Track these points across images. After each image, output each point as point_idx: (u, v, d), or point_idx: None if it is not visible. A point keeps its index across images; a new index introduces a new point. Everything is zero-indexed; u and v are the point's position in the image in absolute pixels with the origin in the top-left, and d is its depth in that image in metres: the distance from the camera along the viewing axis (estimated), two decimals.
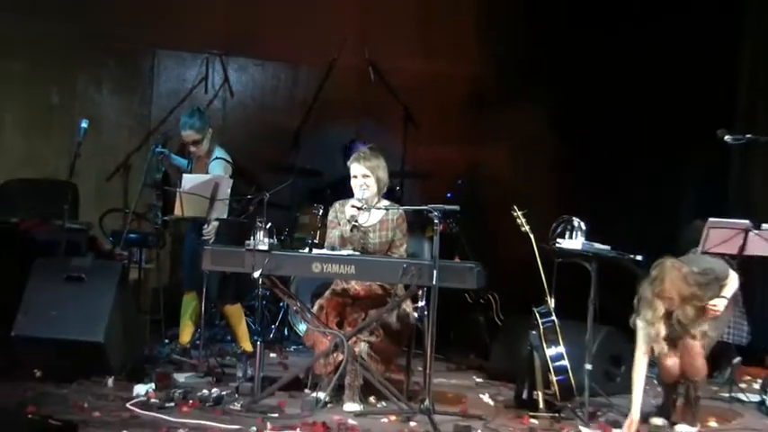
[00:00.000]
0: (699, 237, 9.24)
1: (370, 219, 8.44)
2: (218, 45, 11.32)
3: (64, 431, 6.02)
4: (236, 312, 9.96)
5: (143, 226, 9.89)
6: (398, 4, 12.38)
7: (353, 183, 8.41)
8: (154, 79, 12.04)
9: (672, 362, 8.01)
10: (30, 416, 6.67)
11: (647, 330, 7.88)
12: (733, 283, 8.29)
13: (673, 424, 8.11)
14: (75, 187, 10.09)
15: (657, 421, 8.19)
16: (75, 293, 8.63)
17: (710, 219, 9.34)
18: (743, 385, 9.52)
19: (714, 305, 8.13)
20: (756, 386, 9.42)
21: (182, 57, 12.00)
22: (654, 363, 8.66)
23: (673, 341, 7.94)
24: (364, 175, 8.37)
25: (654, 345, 7.90)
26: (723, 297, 8.18)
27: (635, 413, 7.83)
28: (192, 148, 9.63)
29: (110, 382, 8.41)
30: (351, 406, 8.05)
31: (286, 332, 10.75)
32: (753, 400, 9.16)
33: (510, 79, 12.42)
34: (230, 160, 9.72)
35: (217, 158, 9.69)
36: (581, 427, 7.78)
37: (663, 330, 7.84)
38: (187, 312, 9.82)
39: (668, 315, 7.87)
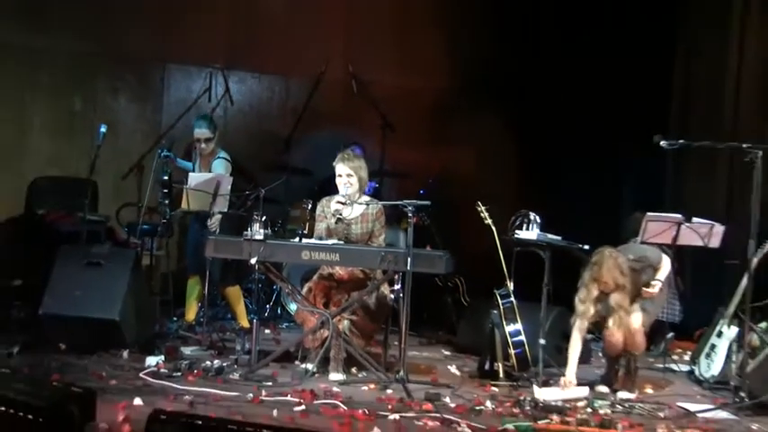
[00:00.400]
0: (638, 228, 9.31)
1: (352, 212, 8.48)
2: (220, 60, 11.32)
3: (84, 397, 6.01)
4: (235, 294, 10.02)
5: (154, 218, 9.91)
6: (378, 26, 12.38)
7: (338, 181, 8.47)
8: (164, 90, 12.02)
9: (616, 338, 8.12)
10: (54, 383, 6.69)
11: (580, 308, 8.03)
12: (666, 267, 8.39)
13: (615, 391, 8.21)
14: (95, 184, 10.12)
15: (602, 389, 8.30)
16: (95, 277, 8.67)
17: (648, 213, 9.42)
18: (675, 357, 9.61)
19: (652, 284, 8.24)
20: (686, 358, 9.47)
21: (188, 70, 11.99)
22: (600, 338, 8.78)
23: (619, 319, 8.04)
24: (348, 174, 8.43)
25: (582, 320, 8.05)
26: (657, 280, 8.30)
27: (569, 375, 8.02)
28: (203, 146, 9.73)
29: (125, 354, 8.45)
30: (335, 376, 8.11)
31: (279, 311, 10.76)
32: (683, 369, 9.29)
33: (474, 91, 12.41)
34: (231, 160, 9.82)
35: (219, 158, 9.79)
36: (535, 392, 7.79)
37: (592, 309, 8.01)
38: (192, 294, 9.88)
39: (601, 297, 7.99)
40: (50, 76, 11.58)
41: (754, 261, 7.90)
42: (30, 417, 5.75)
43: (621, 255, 8.10)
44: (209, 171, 9.72)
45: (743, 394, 7.67)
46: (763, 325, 8.84)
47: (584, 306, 8.03)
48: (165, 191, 9.53)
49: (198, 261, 9.45)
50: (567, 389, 7.90)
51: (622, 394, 8.12)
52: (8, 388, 6.01)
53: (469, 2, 12.61)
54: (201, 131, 9.72)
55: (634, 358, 8.32)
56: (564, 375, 8.06)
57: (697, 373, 8.89)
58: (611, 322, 8.07)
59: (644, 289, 8.22)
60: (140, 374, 7.83)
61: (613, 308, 8.01)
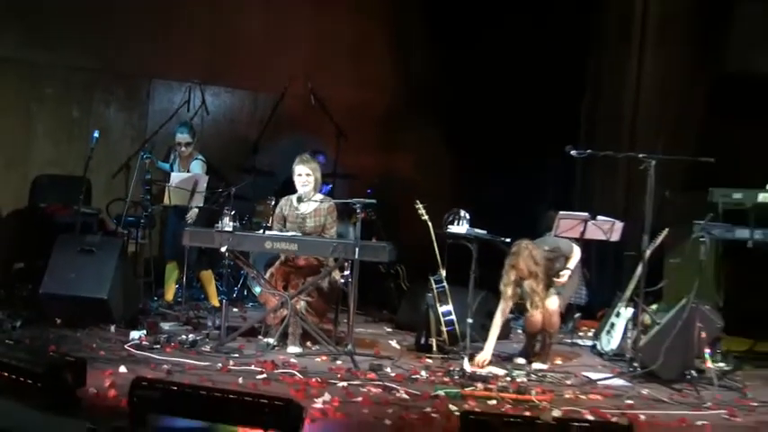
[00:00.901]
0: (551, 224, 9.43)
1: (308, 207, 8.51)
2: (198, 76, 11.23)
3: (77, 365, 5.99)
4: (207, 277, 10.03)
5: (138, 211, 9.90)
6: (334, 49, 12.38)
7: (297, 180, 8.49)
8: (149, 101, 11.97)
9: (536, 319, 8.18)
10: (51, 353, 6.68)
11: (502, 291, 8.08)
12: (576, 257, 8.46)
13: (530, 362, 8.27)
14: (88, 182, 10.02)
15: (519, 360, 8.36)
16: (87, 262, 8.65)
17: (560, 211, 9.54)
18: (581, 334, 9.71)
19: (561, 275, 8.33)
20: (590, 334, 9.53)
21: (170, 85, 11.94)
22: (520, 317, 8.86)
23: (536, 302, 8.09)
24: (307, 174, 8.46)
25: (504, 302, 8.10)
26: (568, 268, 8.37)
27: (487, 351, 8.04)
28: (183, 148, 9.76)
29: (112, 328, 8.44)
30: (293, 349, 8.14)
31: (245, 293, 10.73)
32: (587, 344, 9.35)
33: (415, 104, 12.45)
34: (206, 161, 9.87)
35: (196, 159, 9.82)
36: (463, 363, 7.81)
37: (510, 292, 8.04)
38: (171, 277, 9.89)
39: (519, 282, 8.07)
40: (52, 88, 11.52)
41: (647, 253, 8.02)
42: (29, 381, 5.76)
43: (537, 246, 8.17)
44: (188, 171, 9.75)
45: (636, 365, 7.78)
46: (654, 307, 9.00)
47: (505, 290, 8.08)
48: (147, 188, 9.54)
49: (175, 249, 9.48)
50: (480, 367, 7.88)
51: (537, 365, 8.18)
52: (11, 356, 6.01)
53: (411, 28, 12.67)
54: (183, 136, 9.76)
55: (549, 335, 8.38)
56: (482, 352, 8.08)
57: (599, 347, 8.95)
58: (529, 305, 8.15)
59: (555, 279, 8.30)
60: (125, 346, 7.82)
61: (528, 292, 8.09)
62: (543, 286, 8.10)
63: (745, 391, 7.60)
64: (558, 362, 8.52)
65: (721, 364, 8.21)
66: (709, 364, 7.76)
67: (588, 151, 8.64)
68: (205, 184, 9.54)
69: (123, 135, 11.73)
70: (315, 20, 12.41)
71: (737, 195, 8.08)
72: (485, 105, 11.88)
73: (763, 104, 10.80)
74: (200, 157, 9.88)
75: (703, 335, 7.67)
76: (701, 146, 10.27)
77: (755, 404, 7.19)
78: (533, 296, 8.06)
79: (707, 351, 7.75)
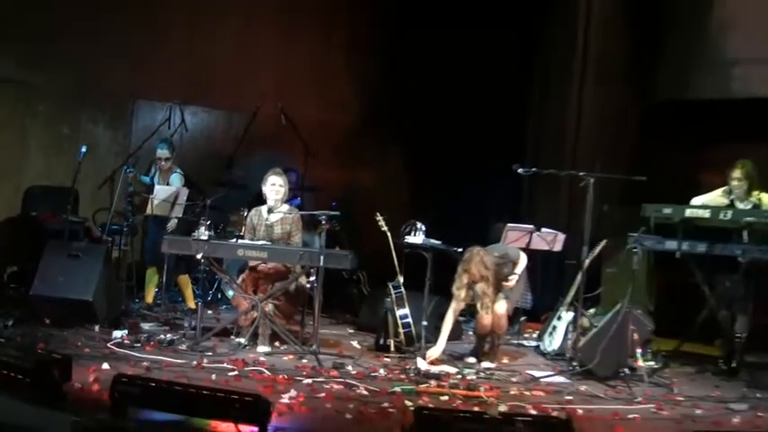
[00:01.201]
0: (500, 235, 9.48)
1: (275, 216, 8.52)
2: (178, 97, 11.23)
3: (63, 362, 5.99)
4: (185, 281, 10.01)
5: (121, 220, 9.88)
6: (303, 72, 12.42)
7: (270, 189, 8.51)
8: (133, 119, 11.93)
9: (486, 321, 8.19)
10: (40, 350, 6.66)
11: (455, 293, 8.09)
12: (522, 263, 8.48)
13: (480, 361, 8.28)
14: (76, 192, 10.01)
15: (470, 359, 8.37)
16: (74, 266, 8.62)
17: (509, 224, 9.59)
18: (526, 335, 9.74)
19: (509, 279, 8.35)
20: (534, 336, 9.53)
21: (153, 104, 11.89)
22: (471, 320, 8.88)
23: (486, 305, 8.10)
24: (280, 185, 8.51)
25: (456, 303, 8.11)
26: (515, 273, 8.40)
27: (437, 349, 8.01)
28: (163, 163, 9.80)
29: (96, 328, 8.39)
30: (262, 348, 8.13)
31: (219, 296, 10.69)
32: (532, 345, 9.37)
33: (377, 123, 12.49)
34: (184, 174, 9.90)
35: (175, 172, 9.85)
36: (418, 362, 7.83)
37: (463, 294, 8.05)
38: (151, 281, 9.87)
39: (471, 286, 8.08)
40: (45, 107, 11.47)
41: (586, 262, 8.08)
42: (19, 377, 5.75)
43: (488, 253, 8.19)
44: (168, 183, 9.77)
45: (575, 364, 7.84)
46: (591, 311, 9.04)
47: (458, 292, 8.09)
48: (129, 199, 9.51)
49: (155, 255, 9.45)
50: (431, 363, 7.87)
51: (486, 364, 8.19)
52: (2, 353, 5.99)
53: (373, 53, 12.70)
54: (163, 152, 9.79)
55: (498, 336, 8.40)
56: (434, 348, 8.07)
57: (542, 347, 8.98)
58: (479, 307, 8.16)
59: (504, 284, 8.33)
60: (108, 345, 7.79)
61: (479, 295, 8.11)
62: (493, 290, 8.12)
63: (672, 386, 7.68)
64: (505, 361, 8.54)
65: (651, 363, 8.26)
66: (641, 362, 7.83)
67: (533, 169, 8.72)
68: (185, 197, 9.57)
69: (109, 150, 11.67)
70: (284, 46, 12.41)
71: (667, 210, 8.14)
72: (440, 125, 11.88)
73: (689, 129, 10.94)
74: (178, 170, 9.90)
75: (636, 336, 7.73)
76: (635, 165, 10.32)
77: (681, 399, 7.27)
78: (484, 299, 8.08)
79: (639, 351, 7.82)
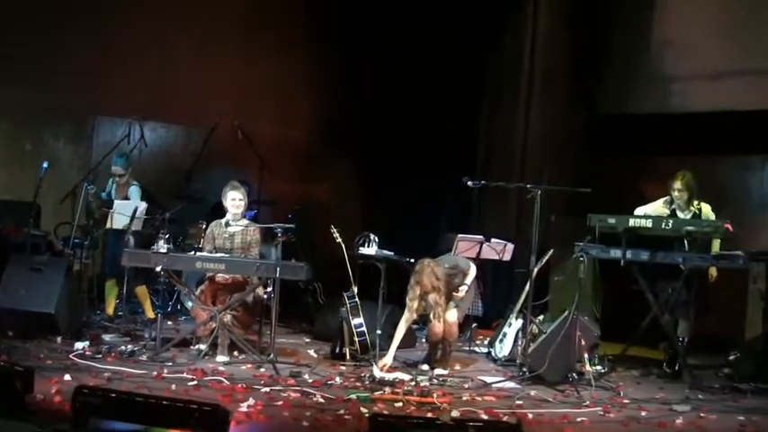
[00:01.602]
0: (451, 245, 9.50)
1: (236, 229, 8.50)
2: (138, 113, 11.20)
3: (25, 374, 5.91)
4: (143, 292, 9.92)
5: (83, 234, 9.81)
6: (259, 89, 12.37)
7: (231, 203, 8.48)
8: (94, 135, 11.84)
9: (437, 329, 8.17)
10: (2, 363, 6.55)
11: (408, 304, 8.08)
12: (472, 273, 8.51)
13: (433, 368, 8.27)
14: (39, 207, 9.92)
15: (423, 367, 8.36)
16: (36, 279, 8.53)
17: (459, 234, 9.63)
18: (477, 342, 9.74)
19: (460, 290, 8.37)
20: (485, 342, 9.51)
21: (113, 120, 11.80)
22: (424, 328, 8.87)
23: (438, 314, 8.08)
24: (240, 199, 8.49)
25: (409, 313, 8.10)
26: (465, 284, 8.41)
27: (389, 357, 8.02)
28: (118, 178, 9.80)
29: (59, 340, 8.30)
30: (221, 357, 8.08)
31: (179, 307, 10.61)
32: (483, 351, 9.37)
33: (331, 138, 12.51)
34: (141, 187, 9.89)
35: (132, 185, 9.84)
36: (373, 370, 7.84)
37: (416, 305, 8.04)
38: (111, 293, 9.79)
39: (423, 296, 8.08)
40: (8, 123, 11.43)
41: (535, 271, 8.13)
42: None
43: (438, 264, 8.20)
44: (126, 196, 9.75)
45: (525, 369, 7.85)
46: (540, 318, 9.09)
47: (410, 303, 8.09)
48: (90, 214, 9.43)
49: (115, 267, 9.37)
50: (382, 370, 7.87)
51: (439, 371, 8.18)
52: None
53: (326, 71, 12.71)
54: (116, 168, 9.81)
55: (449, 343, 8.41)
56: (386, 356, 8.08)
57: (493, 353, 9.00)
58: (432, 316, 8.17)
59: (454, 294, 8.35)
60: (70, 356, 7.70)
61: (431, 305, 8.11)
62: (444, 299, 8.13)
63: (618, 390, 7.75)
64: (458, 367, 8.55)
65: (598, 367, 8.34)
66: (588, 367, 7.90)
67: (482, 182, 8.76)
68: (144, 211, 9.51)
69: (70, 165, 11.56)
70: (241, 64, 12.37)
71: (612, 220, 8.22)
72: (392, 140, 11.91)
73: (631, 142, 11.09)
74: (135, 183, 9.88)
75: (583, 342, 7.79)
76: (580, 177, 10.46)
77: (627, 401, 7.33)
78: (436, 308, 8.08)
79: (586, 356, 7.88)
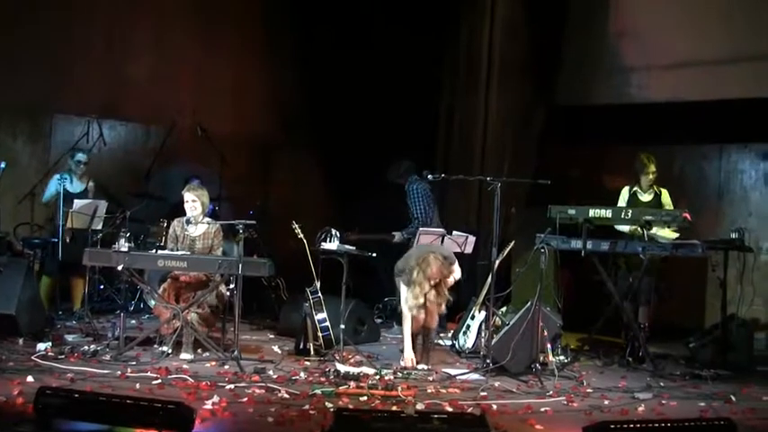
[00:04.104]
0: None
1: (197, 230, 8.50)
2: (96, 111, 11.13)
3: None
4: (79, 283, 9.88)
5: (43, 232, 9.76)
6: (218, 86, 12.39)
7: (186, 205, 8.45)
8: (52, 134, 11.72)
9: (422, 318, 8.15)
10: None
11: (414, 302, 8.01)
12: (457, 264, 8.40)
13: (417, 363, 8.20)
14: None
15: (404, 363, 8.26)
16: None
17: (421, 227, 9.66)
18: (442, 335, 9.62)
19: (447, 282, 8.25)
20: (449, 335, 9.50)
21: (71, 119, 11.68)
22: (387, 321, 8.88)
23: (438, 302, 8.09)
24: (193, 200, 8.44)
25: (417, 310, 8.05)
26: (453, 273, 8.25)
27: (410, 352, 8.13)
28: (82, 167, 9.96)
29: (20, 341, 8.24)
30: (185, 355, 8.07)
31: (141, 306, 10.56)
32: (447, 344, 9.38)
33: (292, 134, 12.53)
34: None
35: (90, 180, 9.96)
36: (337, 365, 7.87)
37: (422, 300, 8.02)
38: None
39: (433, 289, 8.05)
40: None
41: (496, 263, 8.17)
42: None
43: (438, 254, 8.14)
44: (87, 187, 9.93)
45: (489, 361, 7.89)
46: (503, 309, 9.14)
47: (419, 301, 8.00)
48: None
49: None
50: (411, 363, 8.00)
51: (421, 366, 8.12)
52: None
53: (284, 67, 12.73)
54: (81, 156, 10.06)
55: (429, 332, 8.34)
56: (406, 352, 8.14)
57: (457, 346, 9.04)
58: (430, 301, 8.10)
59: (446, 281, 8.22)
60: (32, 357, 7.64)
61: (430, 298, 8.07)
62: (442, 285, 8.12)
63: (580, 379, 7.83)
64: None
65: (561, 357, 8.42)
66: (551, 357, 7.96)
67: (443, 175, 8.81)
68: (104, 210, 9.49)
69: (29, 165, 11.41)
70: (199, 61, 12.37)
71: (572, 211, 8.29)
72: (352, 134, 11.89)
73: (589, 131, 11.20)
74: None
75: (545, 332, 7.85)
76: (540, 169, 10.54)
77: (590, 390, 7.42)
78: (437, 299, 8.06)
79: (549, 346, 7.95)
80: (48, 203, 9.90)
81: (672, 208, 8.86)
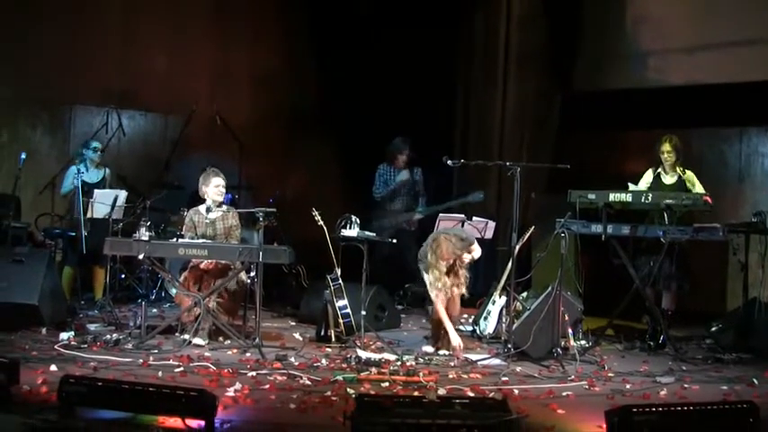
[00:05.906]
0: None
1: (216, 214, 8.51)
2: (115, 102, 11.14)
3: (10, 366, 5.89)
4: (100, 273, 9.85)
5: (63, 224, 9.76)
6: (235, 75, 12.40)
7: (215, 190, 8.49)
8: (71, 125, 11.75)
9: (445, 305, 8.12)
10: None
11: (438, 284, 8.00)
12: (477, 246, 8.36)
13: (438, 349, 8.20)
14: (18, 199, 9.87)
15: (428, 349, 8.28)
16: (18, 271, 8.48)
17: (441, 213, 9.63)
18: (462, 320, 9.61)
19: (464, 260, 8.20)
20: (470, 320, 9.49)
21: (90, 109, 11.72)
22: (409, 308, 8.84)
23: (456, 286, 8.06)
24: (223, 186, 8.51)
25: (442, 291, 8.02)
26: (470, 253, 8.24)
27: (457, 340, 8.03)
28: (100, 153, 9.99)
29: (43, 331, 8.25)
30: (198, 340, 8.04)
31: (163, 294, 10.53)
32: (468, 329, 9.32)
33: (310, 123, 12.46)
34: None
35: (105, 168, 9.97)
36: (358, 351, 7.84)
37: (447, 281, 8.00)
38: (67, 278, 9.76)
39: (448, 272, 8.03)
40: None
41: (517, 248, 8.11)
42: None
43: (450, 234, 8.14)
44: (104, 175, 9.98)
45: (510, 346, 7.85)
46: (524, 295, 9.10)
47: (441, 282, 8.00)
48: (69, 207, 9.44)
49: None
50: (459, 349, 7.94)
51: (443, 351, 8.10)
52: None
53: (302, 55, 12.69)
54: (96, 144, 10.07)
55: (454, 319, 8.28)
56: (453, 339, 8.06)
57: (478, 331, 9.01)
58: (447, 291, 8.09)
59: (463, 257, 8.20)
60: (55, 347, 7.66)
61: (449, 281, 8.06)
62: (460, 269, 8.08)
63: (602, 363, 7.77)
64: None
65: (582, 342, 8.35)
66: (572, 342, 7.91)
67: (462, 161, 8.74)
68: (125, 199, 9.49)
69: (48, 156, 11.46)
70: (218, 48, 12.39)
71: (591, 196, 8.21)
72: (371, 122, 11.83)
73: (607, 116, 11.12)
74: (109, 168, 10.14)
75: (566, 317, 7.81)
76: (559, 154, 10.44)
77: (611, 375, 7.38)
78: (457, 280, 8.05)
79: (570, 331, 7.89)
80: (66, 196, 9.88)
81: (700, 188, 8.73)
